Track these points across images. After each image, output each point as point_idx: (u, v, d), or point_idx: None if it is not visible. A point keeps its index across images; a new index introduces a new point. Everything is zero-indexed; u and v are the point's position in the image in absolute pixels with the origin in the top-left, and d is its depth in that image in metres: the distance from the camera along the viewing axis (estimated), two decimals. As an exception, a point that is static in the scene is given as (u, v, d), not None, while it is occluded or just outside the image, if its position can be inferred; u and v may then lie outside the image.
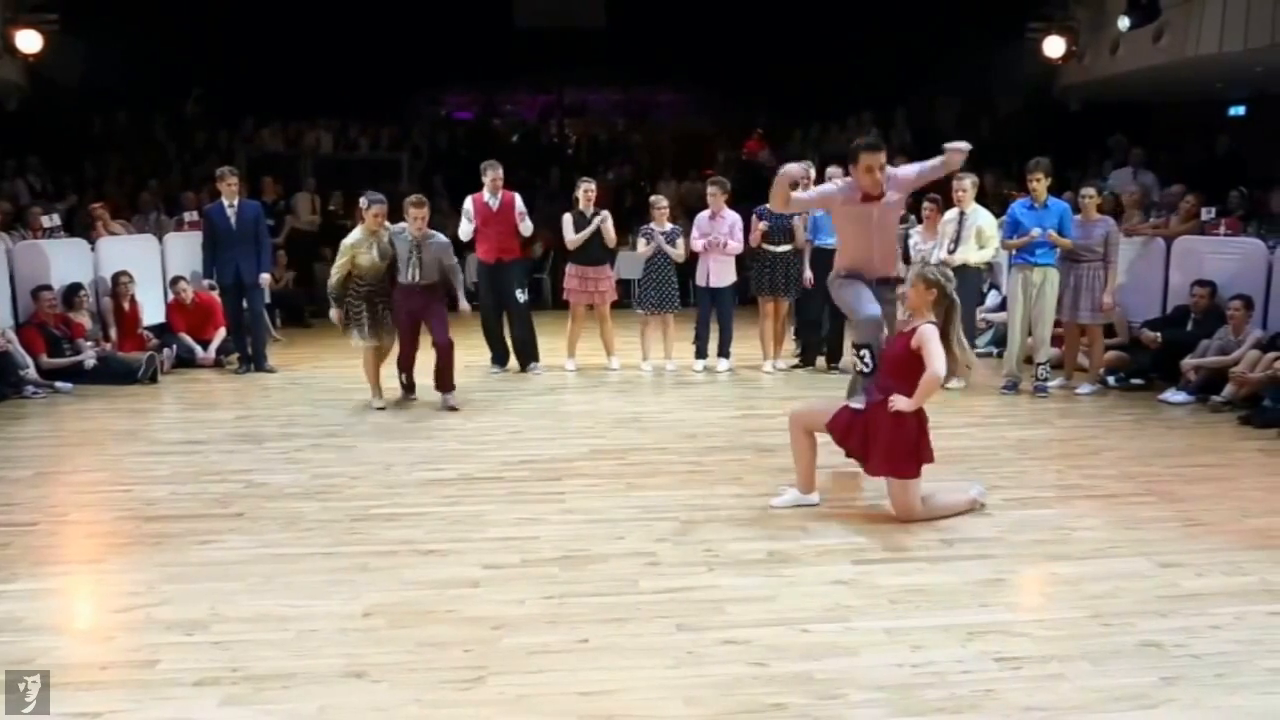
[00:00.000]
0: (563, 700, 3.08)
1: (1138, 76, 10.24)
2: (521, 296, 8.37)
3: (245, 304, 8.53)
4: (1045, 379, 7.46)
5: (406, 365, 7.24)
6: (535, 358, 8.50)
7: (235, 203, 8.47)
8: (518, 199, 8.35)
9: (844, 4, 13.66)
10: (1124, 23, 9.67)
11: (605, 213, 8.38)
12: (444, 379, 7.03)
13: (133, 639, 3.48)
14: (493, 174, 8.23)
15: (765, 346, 8.51)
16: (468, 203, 8.32)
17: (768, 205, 8.27)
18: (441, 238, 7.07)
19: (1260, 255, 7.63)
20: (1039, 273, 7.30)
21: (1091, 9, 10.80)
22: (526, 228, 8.37)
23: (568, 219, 8.38)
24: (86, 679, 3.18)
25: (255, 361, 8.59)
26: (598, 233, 8.25)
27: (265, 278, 8.63)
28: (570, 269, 8.45)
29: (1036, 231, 7.20)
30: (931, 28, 12.77)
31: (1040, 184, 7.30)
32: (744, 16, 14.68)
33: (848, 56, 13.85)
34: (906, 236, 8.28)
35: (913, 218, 8.36)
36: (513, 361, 8.53)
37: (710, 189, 8.35)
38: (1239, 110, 11.73)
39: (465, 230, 8.29)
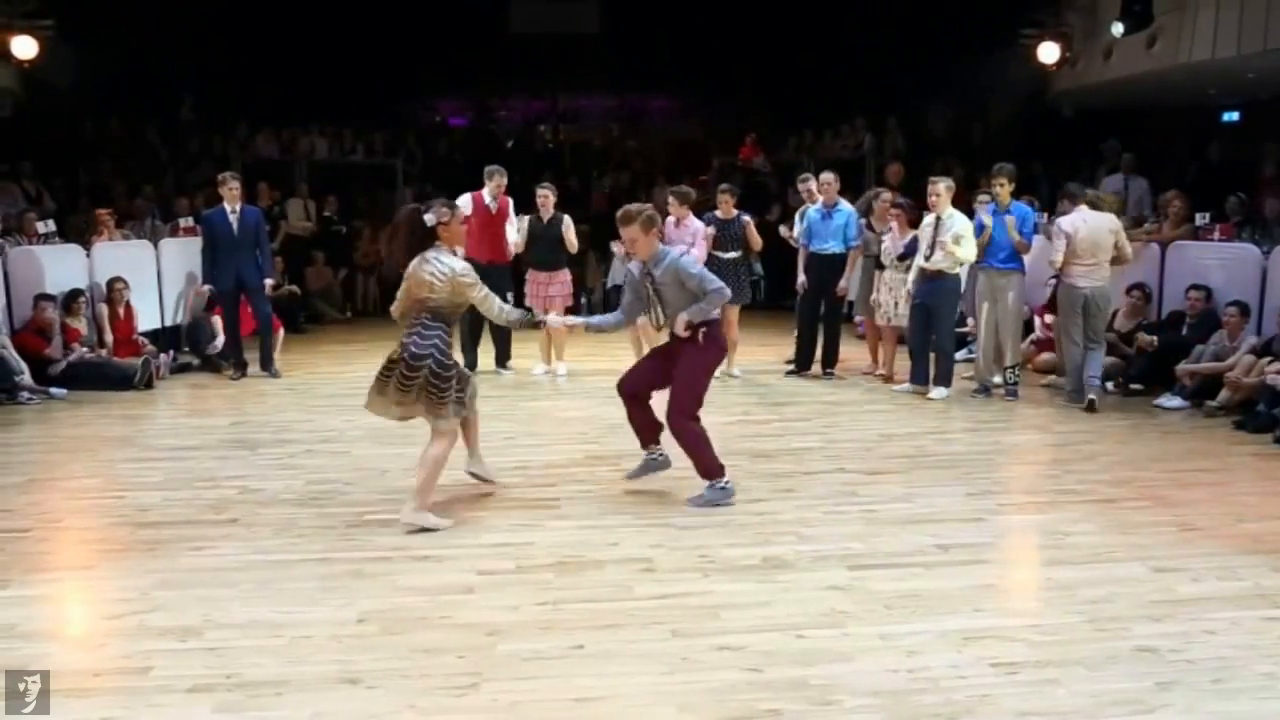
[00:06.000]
0: (557, 707, 3.07)
1: (1131, 82, 10.26)
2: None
3: (252, 309, 8.51)
4: (1015, 382, 7.50)
5: None
6: (509, 356, 8.63)
7: (237, 208, 8.40)
8: (511, 205, 8.39)
9: (837, 10, 13.69)
10: (1117, 29, 9.69)
11: (564, 217, 8.45)
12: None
13: (126, 646, 3.47)
14: (498, 179, 8.27)
15: None
16: (465, 197, 8.31)
17: (716, 212, 8.38)
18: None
19: (1254, 261, 7.64)
20: (1003, 277, 7.36)
21: (1085, 15, 10.82)
22: (513, 233, 8.37)
23: (524, 222, 8.45)
24: (79, 686, 3.16)
25: (263, 364, 8.55)
26: (556, 238, 8.31)
27: (269, 282, 8.60)
28: (528, 274, 8.50)
29: (1004, 222, 7.26)
30: (925, 34, 12.79)
31: (1004, 189, 7.37)
32: (737, 22, 14.71)
33: (841, 62, 13.88)
34: (879, 242, 8.27)
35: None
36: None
37: (670, 200, 8.32)
38: (1233, 116, 11.77)
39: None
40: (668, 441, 5.14)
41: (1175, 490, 5.23)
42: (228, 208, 8.38)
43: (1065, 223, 7.25)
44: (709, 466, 5.00)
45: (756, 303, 9.06)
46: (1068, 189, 7.82)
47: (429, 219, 4.70)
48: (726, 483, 5.01)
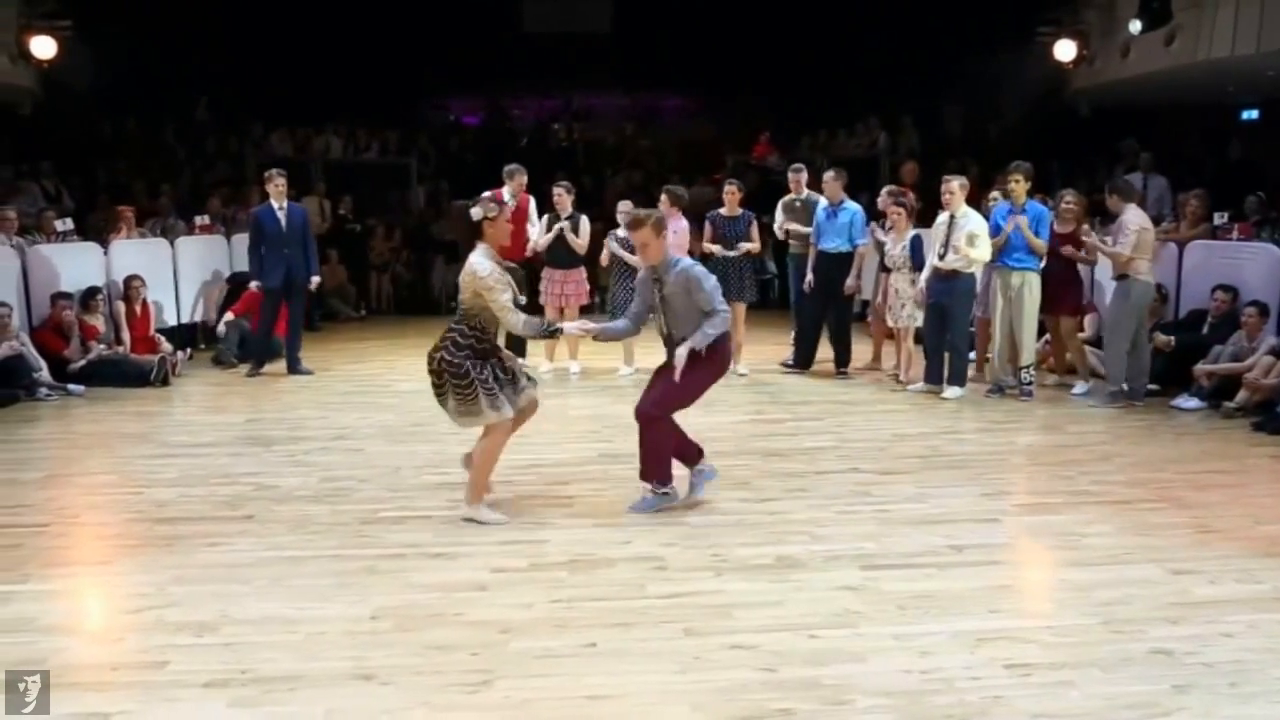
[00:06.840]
0: (569, 704, 3.08)
1: (1149, 80, 10.19)
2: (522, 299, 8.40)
3: (288, 306, 8.52)
4: (1029, 381, 7.45)
5: None
6: (524, 354, 8.61)
7: (284, 204, 8.40)
8: (531, 202, 8.44)
9: (852, 8, 13.65)
10: (1135, 26, 9.63)
11: (581, 216, 8.46)
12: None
13: (142, 640, 3.49)
14: (519, 178, 8.33)
15: None
16: (486, 194, 8.32)
17: (721, 210, 8.35)
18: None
19: (1274, 261, 7.56)
20: (1017, 276, 7.32)
21: (1102, 12, 10.76)
22: (535, 231, 8.40)
23: (543, 221, 8.49)
24: (96, 680, 3.20)
25: (291, 366, 8.55)
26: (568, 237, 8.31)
27: (315, 280, 8.65)
28: (544, 273, 8.52)
29: (1016, 222, 7.23)
30: (940, 32, 12.75)
31: (1019, 186, 7.31)
32: (750, 21, 14.69)
33: (855, 61, 13.85)
34: (881, 243, 8.22)
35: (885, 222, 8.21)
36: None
37: (662, 196, 8.27)
38: (1252, 114, 11.68)
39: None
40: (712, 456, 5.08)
41: (1192, 492, 5.19)
42: (275, 204, 8.39)
43: (1137, 218, 7.12)
44: (659, 468, 4.83)
45: (770, 301, 9.03)
46: (1118, 185, 7.51)
47: (474, 213, 4.58)
48: (669, 489, 4.86)
